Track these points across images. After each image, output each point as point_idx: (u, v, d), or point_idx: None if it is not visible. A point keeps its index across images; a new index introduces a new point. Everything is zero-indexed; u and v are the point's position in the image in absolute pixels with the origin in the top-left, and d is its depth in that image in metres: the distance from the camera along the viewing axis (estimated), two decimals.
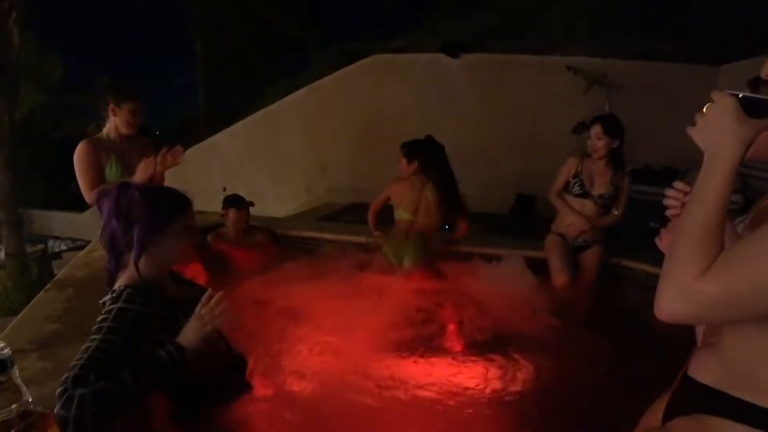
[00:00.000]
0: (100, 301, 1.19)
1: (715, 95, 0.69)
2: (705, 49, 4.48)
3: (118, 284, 1.17)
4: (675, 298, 0.65)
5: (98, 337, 1.04)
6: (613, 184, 2.50)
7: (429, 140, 2.77)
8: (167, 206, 1.19)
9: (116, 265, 1.20)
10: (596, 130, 2.43)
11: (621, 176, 2.51)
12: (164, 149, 2.18)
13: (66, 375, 0.97)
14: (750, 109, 0.66)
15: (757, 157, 0.97)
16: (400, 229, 2.74)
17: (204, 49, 11.02)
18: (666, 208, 0.92)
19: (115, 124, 2.31)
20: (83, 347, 1.03)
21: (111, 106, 2.27)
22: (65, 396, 0.93)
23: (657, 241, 1.00)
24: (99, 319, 1.09)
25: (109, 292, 1.16)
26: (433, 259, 2.69)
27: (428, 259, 2.66)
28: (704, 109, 0.70)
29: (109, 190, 1.19)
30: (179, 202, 1.23)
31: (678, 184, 0.88)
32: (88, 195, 2.26)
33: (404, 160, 2.76)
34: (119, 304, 1.09)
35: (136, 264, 1.16)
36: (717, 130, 0.68)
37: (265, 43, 10.07)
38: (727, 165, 0.66)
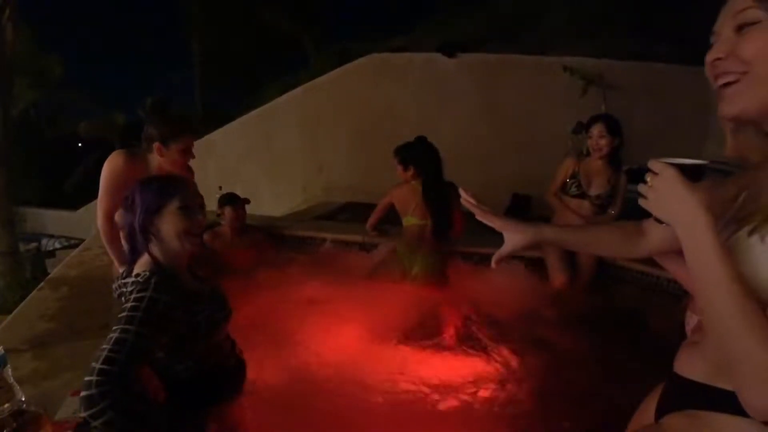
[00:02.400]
0: (122, 281, 1.24)
1: (656, 166, 0.70)
2: (700, 51, 4.49)
3: (139, 269, 1.20)
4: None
5: (132, 329, 1.03)
6: (610, 184, 2.51)
7: (422, 142, 2.68)
8: (158, 190, 1.24)
9: (132, 256, 1.26)
10: (599, 128, 2.43)
11: (618, 176, 2.52)
12: None
13: (106, 368, 0.96)
14: (691, 175, 0.68)
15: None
16: (412, 234, 2.65)
17: (201, 46, 10.97)
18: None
19: (160, 163, 1.92)
20: (117, 337, 1.01)
21: (156, 144, 1.88)
22: (105, 389, 0.94)
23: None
24: (129, 305, 1.08)
25: (133, 276, 1.19)
26: (444, 267, 2.65)
27: (440, 268, 2.62)
28: (648, 181, 0.71)
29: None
30: (171, 184, 1.27)
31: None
32: (102, 220, 1.91)
33: (400, 167, 2.67)
34: (149, 293, 1.10)
35: (147, 249, 1.23)
36: (675, 201, 0.68)
37: (263, 41, 10.04)
38: (710, 234, 0.65)
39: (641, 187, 0.73)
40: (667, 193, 0.69)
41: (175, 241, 1.23)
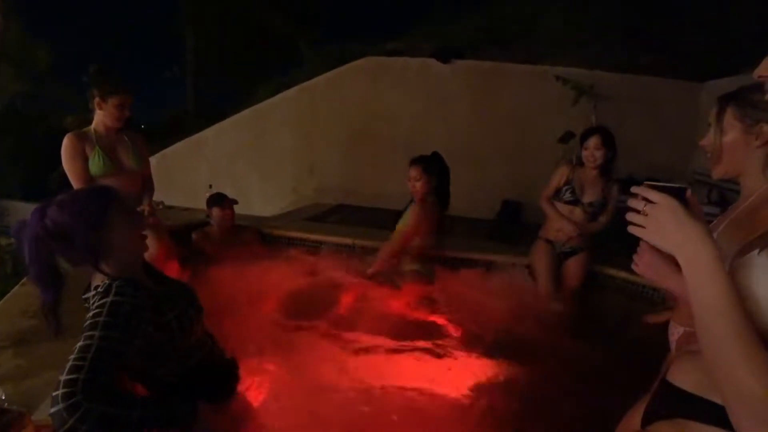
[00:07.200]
0: (83, 296, 1.15)
1: (654, 196, 0.69)
2: (690, 65, 4.60)
3: (98, 281, 1.13)
4: (758, 427, 0.60)
5: (96, 334, 0.97)
6: (603, 194, 2.56)
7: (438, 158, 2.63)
8: (94, 202, 1.13)
9: (55, 294, 1.12)
10: (595, 141, 2.49)
11: (611, 186, 2.57)
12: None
13: (72, 377, 0.90)
14: (680, 198, 0.68)
15: (729, 176, 0.99)
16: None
17: (194, 42, 10.86)
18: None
19: (101, 117, 2.27)
20: (81, 345, 0.96)
21: (97, 99, 2.23)
22: (72, 401, 0.88)
23: (634, 267, 0.94)
24: (91, 314, 1.03)
25: (93, 288, 1.12)
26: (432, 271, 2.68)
27: (428, 272, 2.64)
28: (644, 210, 0.70)
29: (24, 220, 1.10)
30: (103, 193, 1.17)
31: (636, 189, 0.74)
32: (79, 186, 2.23)
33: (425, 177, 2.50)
34: (111, 298, 1.05)
35: (98, 269, 1.12)
36: (678, 232, 0.67)
37: (258, 40, 9.98)
38: (716, 265, 0.65)
39: (635, 217, 0.72)
40: (668, 223, 0.68)
41: (129, 247, 1.16)
